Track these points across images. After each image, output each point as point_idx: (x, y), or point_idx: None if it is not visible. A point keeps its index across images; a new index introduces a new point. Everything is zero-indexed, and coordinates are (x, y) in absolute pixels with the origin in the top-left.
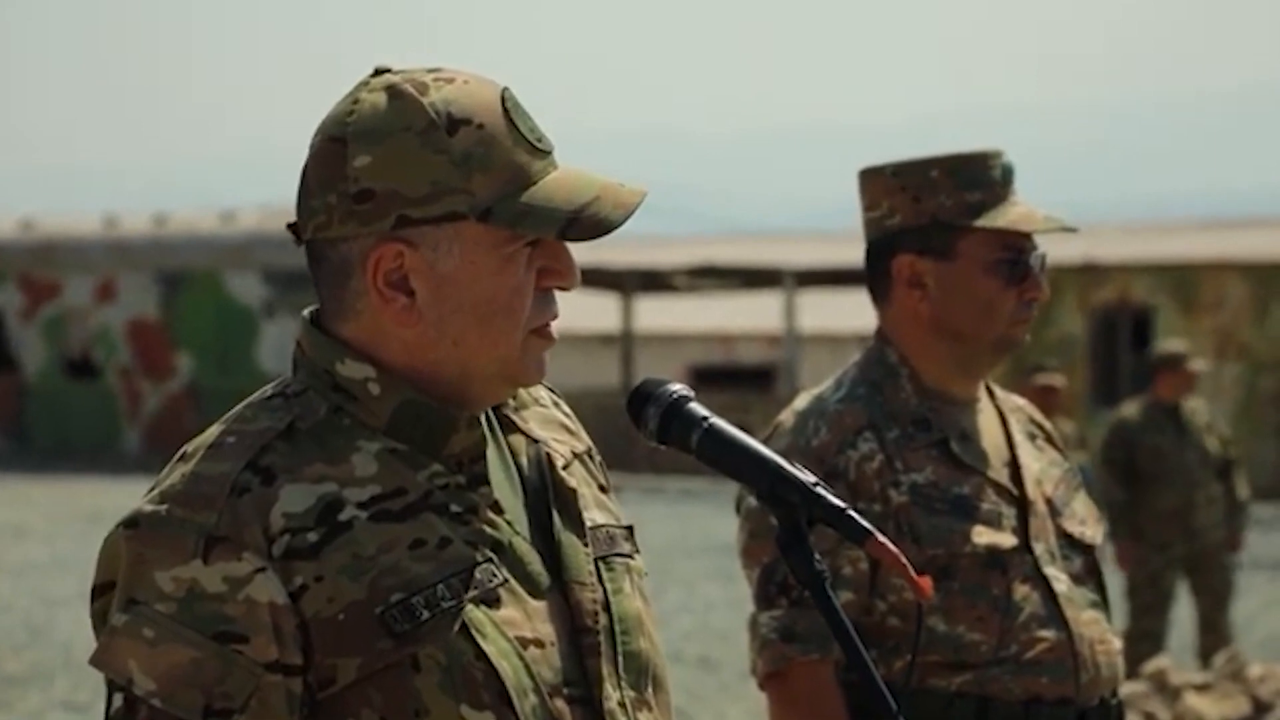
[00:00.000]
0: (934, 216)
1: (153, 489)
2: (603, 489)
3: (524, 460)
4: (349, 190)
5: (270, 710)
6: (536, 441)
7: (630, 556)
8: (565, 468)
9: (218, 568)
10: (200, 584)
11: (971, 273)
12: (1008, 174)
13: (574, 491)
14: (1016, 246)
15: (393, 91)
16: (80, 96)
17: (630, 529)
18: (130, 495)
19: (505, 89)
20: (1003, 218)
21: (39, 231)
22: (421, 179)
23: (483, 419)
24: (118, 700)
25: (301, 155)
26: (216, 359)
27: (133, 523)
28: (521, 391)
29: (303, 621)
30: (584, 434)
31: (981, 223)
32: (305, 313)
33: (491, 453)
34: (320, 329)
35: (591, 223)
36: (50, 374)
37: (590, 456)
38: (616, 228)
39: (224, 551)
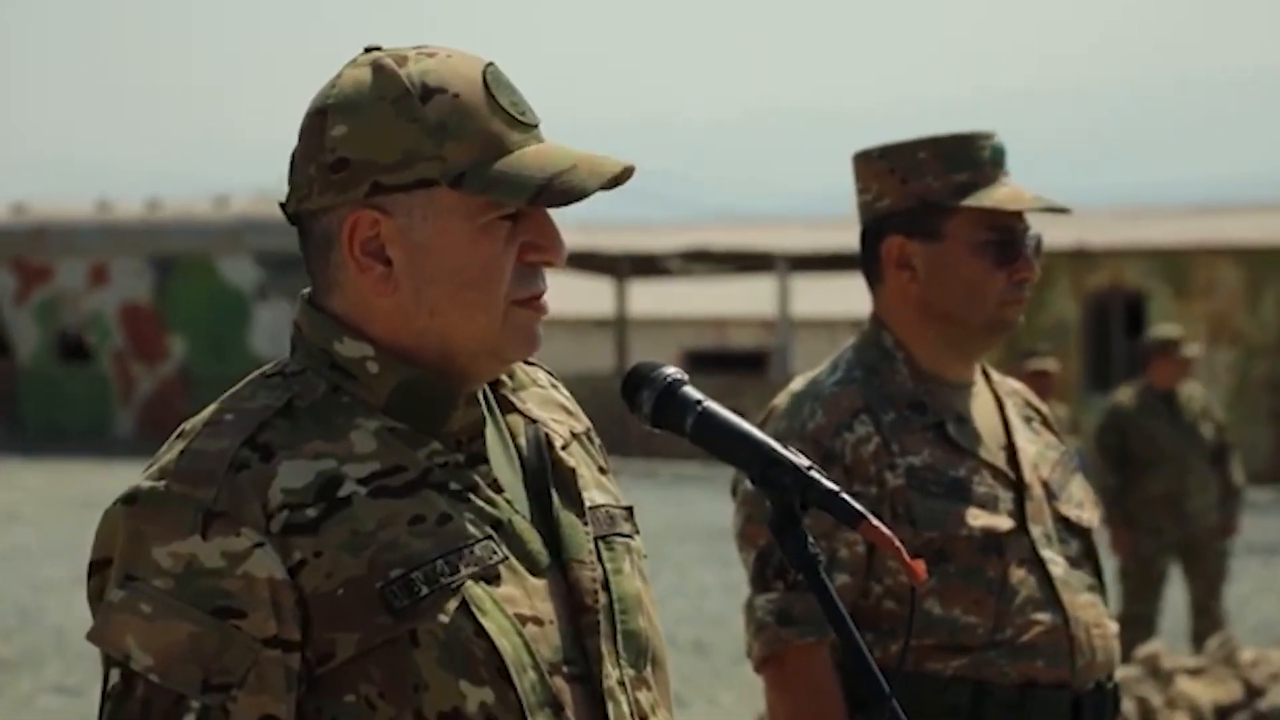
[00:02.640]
0: (921, 198)
1: (151, 465)
2: (602, 470)
3: (522, 440)
4: (326, 160)
5: (268, 685)
6: (535, 422)
7: (630, 537)
8: (564, 448)
9: (216, 543)
10: (199, 559)
11: (959, 254)
12: (998, 155)
13: (573, 471)
14: (1005, 227)
15: (374, 65)
16: (77, 88)
17: (630, 510)
18: (122, 479)
19: (490, 64)
20: (989, 198)
21: (31, 215)
22: (394, 146)
23: (481, 399)
24: (115, 676)
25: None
26: (209, 343)
27: (131, 499)
28: (519, 372)
29: (301, 597)
30: (583, 415)
31: (968, 203)
32: (303, 293)
33: (490, 432)
34: (316, 308)
35: (563, 189)
36: (43, 357)
37: (589, 437)
38: (588, 194)
39: (222, 527)
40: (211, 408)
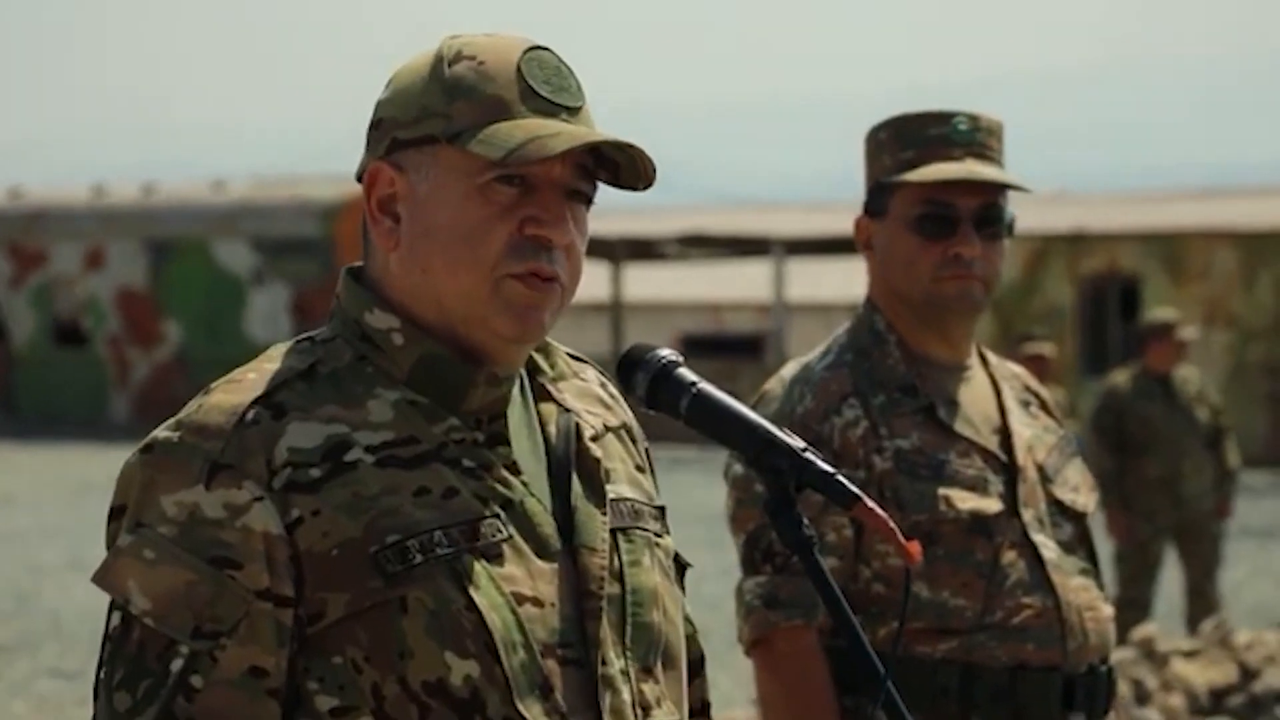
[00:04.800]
0: (876, 177)
1: (173, 418)
2: (639, 468)
3: (552, 429)
4: (370, 125)
5: (258, 636)
6: (568, 411)
7: (657, 535)
8: (594, 439)
9: (219, 494)
10: (201, 509)
11: (897, 229)
12: (960, 135)
13: (598, 462)
14: (939, 201)
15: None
16: (73, 65)
17: (662, 509)
18: (118, 463)
19: (538, 46)
20: (920, 173)
21: (27, 200)
22: (413, 104)
23: (516, 385)
24: (116, 619)
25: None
26: (205, 327)
27: (148, 448)
28: (561, 363)
29: (296, 554)
30: (623, 410)
31: (899, 178)
32: (349, 265)
33: (518, 417)
34: (355, 280)
35: (535, 149)
36: (38, 342)
37: (628, 433)
38: (553, 154)
39: (226, 479)
40: (240, 368)
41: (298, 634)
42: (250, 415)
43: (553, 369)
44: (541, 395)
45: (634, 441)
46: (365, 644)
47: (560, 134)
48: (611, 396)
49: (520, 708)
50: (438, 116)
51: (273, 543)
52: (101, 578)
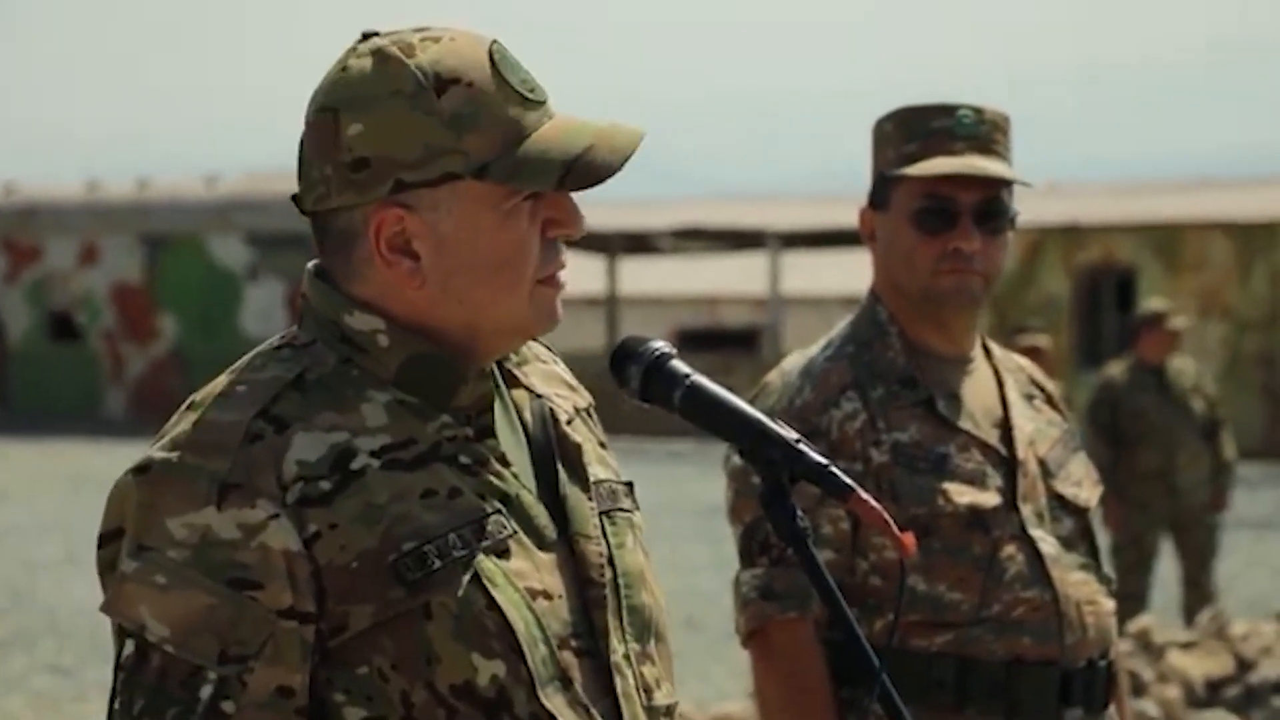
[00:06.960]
0: (880, 169)
1: (162, 437)
2: (602, 445)
3: (528, 415)
4: (344, 160)
5: (284, 656)
6: (540, 397)
7: (631, 512)
8: (569, 423)
9: (231, 514)
10: (213, 531)
11: (898, 222)
12: (965, 129)
13: (578, 446)
14: (940, 195)
15: (379, 56)
16: (69, 68)
17: (630, 485)
18: (113, 458)
19: (494, 42)
20: (921, 166)
21: (21, 195)
22: (414, 142)
23: (490, 373)
24: (128, 647)
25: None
26: (200, 322)
27: (144, 469)
28: (522, 347)
29: (316, 569)
30: (584, 390)
31: (900, 171)
32: (310, 265)
33: (497, 407)
34: (323, 280)
35: (588, 170)
36: (33, 338)
37: (590, 413)
38: (614, 173)
39: (237, 498)
40: (221, 379)
41: (319, 648)
42: (253, 431)
43: (516, 354)
44: (511, 381)
45: (592, 418)
46: (391, 653)
47: (594, 145)
48: (567, 373)
49: (545, 702)
50: (452, 153)
51: (293, 560)
52: (110, 606)
